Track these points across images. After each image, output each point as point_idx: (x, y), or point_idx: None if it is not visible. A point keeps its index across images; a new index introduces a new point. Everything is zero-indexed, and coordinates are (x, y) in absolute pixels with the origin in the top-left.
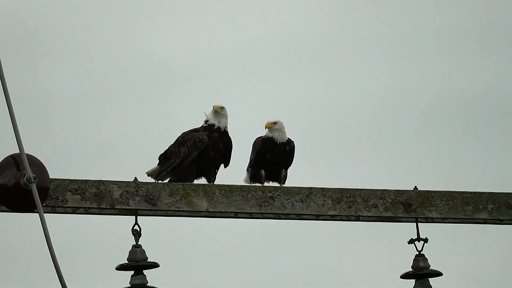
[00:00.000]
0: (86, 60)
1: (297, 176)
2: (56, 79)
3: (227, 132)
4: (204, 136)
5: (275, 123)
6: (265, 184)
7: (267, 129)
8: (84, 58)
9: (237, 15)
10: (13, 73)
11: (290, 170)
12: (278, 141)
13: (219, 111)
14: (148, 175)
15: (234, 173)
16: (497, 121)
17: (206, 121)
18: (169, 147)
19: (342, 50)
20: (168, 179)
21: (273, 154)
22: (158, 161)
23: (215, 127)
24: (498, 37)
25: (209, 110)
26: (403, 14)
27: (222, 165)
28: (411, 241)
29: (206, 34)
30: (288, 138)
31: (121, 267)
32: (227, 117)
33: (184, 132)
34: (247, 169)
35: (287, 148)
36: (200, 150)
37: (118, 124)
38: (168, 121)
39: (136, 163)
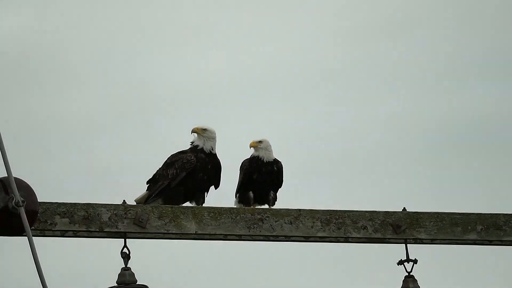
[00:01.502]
0: (79, 88)
1: (286, 198)
2: (53, 105)
3: (215, 154)
4: (192, 157)
5: (260, 141)
6: (254, 206)
7: (252, 148)
8: (76, 86)
9: (231, 43)
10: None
11: (278, 192)
12: (264, 160)
13: (199, 133)
14: (137, 203)
15: (223, 196)
16: (485, 143)
17: (191, 143)
18: (157, 170)
19: (332, 77)
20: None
21: (260, 174)
22: (147, 186)
23: (198, 148)
24: (498, 64)
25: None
26: (403, 41)
27: (213, 187)
28: (401, 262)
29: (203, 62)
30: (275, 158)
31: None
32: (214, 139)
33: (171, 154)
34: (236, 193)
35: (275, 168)
36: (189, 170)
37: (111, 149)
38: (161, 146)
39: (126, 187)
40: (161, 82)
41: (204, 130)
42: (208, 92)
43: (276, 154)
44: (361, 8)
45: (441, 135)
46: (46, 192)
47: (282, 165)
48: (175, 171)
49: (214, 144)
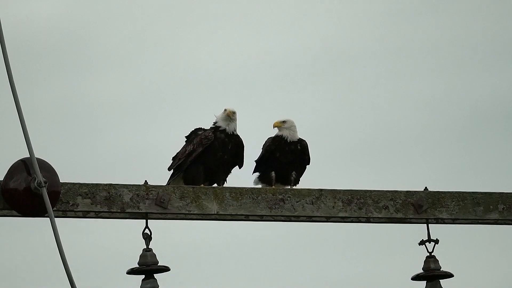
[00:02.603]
0: (105, 72)
1: (307, 177)
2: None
3: (237, 135)
4: (210, 134)
5: (284, 121)
6: (275, 186)
7: (275, 128)
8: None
9: (255, 26)
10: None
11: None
12: (288, 140)
13: (230, 116)
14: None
15: (244, 176)
16: (507, 123)
17: (214, 123)
18: (180, 149)
19: (351, 58)
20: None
21: (283, 153)
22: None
23: (221, 129)
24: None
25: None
26: (433, 23)
27: (237, 166)
28: (422, 243)
29: (231, 43)
30: (300, 138)
31: (131, 271)
32: (236, 121)
33: (191, 131)
34: (254, 170)
35: (298, 147)
36: (206, 146)
37: (136, 131)
38: (187, 128)
39: (148, 168)
40: (189, 65)
41: (234, 113)
42: (237, 75)
43: (301, 134)
44: None
45: (463, 115)
46: (69, 173)
47: (306, 144)
48: (192, 146)
49: (236, 127)
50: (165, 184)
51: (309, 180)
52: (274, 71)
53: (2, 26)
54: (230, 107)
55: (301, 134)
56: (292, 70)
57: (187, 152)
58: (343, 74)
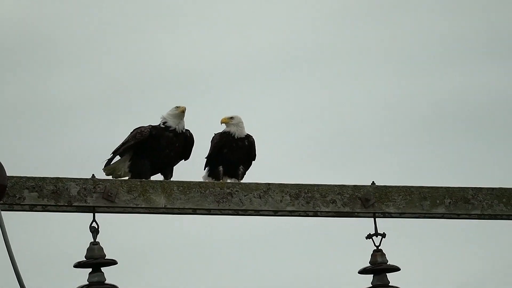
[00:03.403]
0: (60, 70)
1: (255, 172)
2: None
3: (186, 132)
4: (146, 130)
5: (231, 118)
6: (223, 180)
7: (223, 124)
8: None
9: (242, 23)
10: None
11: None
12: (235, 136)
13: (182, 111)
14: (106, 174)
15: (193, 169)
16: (453, 118)
17: (163, 123)
18: None
19: (309, 56)
20: (126, 176)
21: (230, 149)
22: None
23: (171, 129)
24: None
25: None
26: (406, 22)
27: (183, 160)
28: (369, 236)
29: (213, 43)
30: (247, 134)
31: (79, 265)
32: (183, 119)
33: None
34: (205, 167)
35: (246, 143)
36: (137, 141)
37: (87, 130)
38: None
39: (96, 163)
40: (152, 62)
41: (183, 112)
42: (201, 72)
43: (251, 129)
44: None
45: (412, 113)
46: (16, 167)
47: (253, 140)
48: (128, 138)
49: (184, 124)
50: (103, 168)
51: (257, 175)
52: (238, 68)
53: None
54: (184, 104)
55: (250, 129)
56: (253, 68)
57: (123, 141)
58: (300, 72)
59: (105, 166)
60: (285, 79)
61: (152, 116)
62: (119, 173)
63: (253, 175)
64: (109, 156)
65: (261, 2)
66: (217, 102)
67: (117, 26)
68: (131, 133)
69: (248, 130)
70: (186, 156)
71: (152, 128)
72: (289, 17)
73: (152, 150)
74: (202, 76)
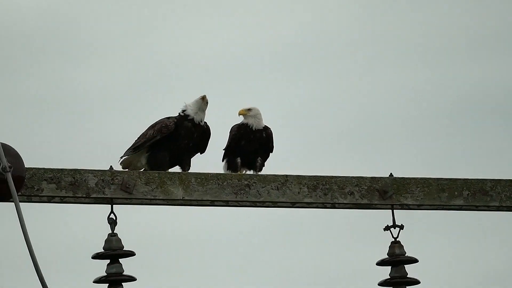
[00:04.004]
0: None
1: (273, 164)
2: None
3: (204, 124)
4: (171, 123)
5: (249, 109)
6: (241, 172)
7: (241, 116)
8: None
9: (260, 14)
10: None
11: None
12: (253, 128)
13: (204, 103)
14: (121, 161)
15: (210, 161)
16: (472, 110)
17: (183, 111)
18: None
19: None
20: (143, 168)
21: (248, 141)
22: None
23: (189, 118)
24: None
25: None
26: (429, 11)
27: (199, 153)
28: (387, 228)
29: (232, 34)
30: (265, 125)
31: (97, 256)
32: (204, 112)
33: (160, 119)
34: (223, 159)
35: (264, 135)
36: (164, 135)
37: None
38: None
39: (114, 154)
40: (169, 55)
41: (206, 101)
42: (218, 64)
43: (269, 121)
44: None
45: (428, 103)
46: (34, 158)
47: (271, 132)
48: (152, 132)
49: (204, 117)
50: (119, 161)
51: (275, 166)
52: (255, 60)
53: None
54: (205, 93)
55: (268, 121)
56: (270, 59)
57: (146, 136)
58: (318, 63)
59: (124, 156)
60: (303, 70)
61: (167, 108)
62: (137, 165)
63: (270, 167)
64: (129, 152)
65: None
66: (235, 93)
67: (136, 20)
68: (152, 126)
69: (266, 121)
70: (202, 149)
71: (175, 119)
72: (308, 5)
73: (171, 140)
74: (220, 67)
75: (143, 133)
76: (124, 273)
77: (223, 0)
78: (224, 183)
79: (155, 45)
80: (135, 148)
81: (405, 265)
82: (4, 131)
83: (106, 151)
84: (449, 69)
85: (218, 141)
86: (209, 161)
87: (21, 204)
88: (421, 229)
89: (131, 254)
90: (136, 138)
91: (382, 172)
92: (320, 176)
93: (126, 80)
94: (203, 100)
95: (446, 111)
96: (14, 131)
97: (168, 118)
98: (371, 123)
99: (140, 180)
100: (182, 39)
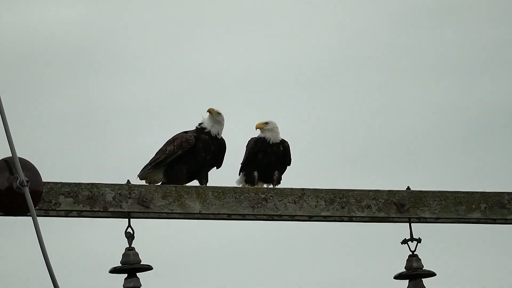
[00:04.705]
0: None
1: (290, 177)
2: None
3: (220, 138)
4: (191, 138)
5: (266, 123)
6: (258, 185)
7: (258, 129)
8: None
9: (262, 32)
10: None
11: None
12: (270, 142)
13: (214, 114)
14: (140, 179)
15: (227, 175)
16: (490, 126)
17: (200, 124)
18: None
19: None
20: (160, 181)
21: (265, 154)
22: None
23: (206, 131)
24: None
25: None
26: (454, 28)
27: (215, 167)
28: (405, 242)
29: (245, 49)
30: (282, 139)
31: (114, 270)
32: (222, 125)
33: (177, 133)
34: (240, 172)
35: (281, 148)
36: (185, 150)
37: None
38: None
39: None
40: (197, 71)
41: (219, 113)
42: (246, 80)
43: (287, 135)
44: None
45: (446, 117)
46: (52, 173)
47: (288, 145)
48: (173, 147)
49: (221, 130)
50: (139, 177)
51: (291, 179)
52: (280, 77)
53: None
54: (215, 107)
55: (285, 134)
56: (297, 75)
57: (166, 152)
58: (337, 78)
59: (144, 172)
60: (321, 85)
61: (187, 123)
62: (154, 179)
63: (288, 180)
64: (149, 169)
65: (308, 9)
66: (253, 107)
67: (166, 35)
68: (171, 142)
69: (284, 135)
70: (218, 164)
71: (193, 133)
72: (332, 25)
73: (189, 154)
74: (246, 83)
75: (161, 149)
76: (142, 287)
77: (250, 19)
78: (241, 197)
79: (176, 63)
80: (156, 165)
81: (422, 279)
82: (22, 145)
83: (124, 165)
84: (466, 84)
85: (235, 156)
86: (226, 175)
87: (38, 218)
88: (439, 243)
89: (148, 268)
90: (154, 155)
91: (399, 185)
92: (337, 189)
93: (145, 96)
94: (211, 113)
95: (463, 124)
96: (32, 145)
97: (186, 132)
98: (387, 136)
99: (157, 194)
100: (208, 56)
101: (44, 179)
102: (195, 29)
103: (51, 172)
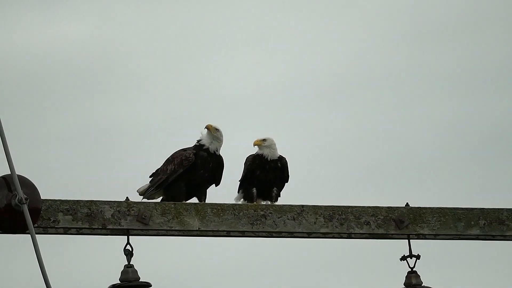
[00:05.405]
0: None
1: (289, 194)
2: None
3: (218, 155)
4: (191, 155)
5: (264, 140)
6: (257, 202)
7: (255, 146)
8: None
9: (272, 50)
10: None
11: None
12: (268, 158)
13: (212, 131)
14: (140, 194)
15: (225, 192)
16: (489, 140)
17: (198, 141)
18: (160, 166)
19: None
20: (159, 198)
21: (263, 171)
22: (149, 180)
23: (204, 147)
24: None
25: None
26: (464, 46)
27: (213, 185)
28: (403, 258)
29: (254, 69)
30: (280, 155)
31: (113, 287)
32: (221, 142)
33: (174, 152)
34: (238, 189)
35: (279, 164)
36: (186, 167)
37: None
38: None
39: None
40: (208, 90)
41: (217, 130)
42: (255, 99)
43: (285, 151)
44: (417, 12)
45: (444, 135)
46: (50, 190)
47: (286, 161)
48: (173, 166)
49: (220, 147)
50: (142, 198)
51: (290, 196)
52: (281, 95)
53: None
54: (213, 123)
55: (283, 151)
56: (298, 94)
57: (168, 172)
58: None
59: (148, 193)
60: (321, 103)
61: (179, 143)
62: (154, 196)
63: (286, 197)
64: (152, 191)
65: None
66: (254, 125)
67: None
68: (171, 161)
69: (282, 152)
70: (217, 181)
71: (192, 150)
72: (345, 40)
73: (188, 171)
74: (240, 98)
75: (161, 168)
76: None
77: (254, 36)
78: (240, 214)
79: (178, 82)
80: (158, 186)
81: None
82: (20, 162)
83: (123, 182)
84: (463, 103)
85: (233, 173)
86: (225, 192)
87: (37, 236)
88: (438, 259)
89: (147, 285)
90: (153, 175)
91: (398, 201)
92: (336, 206)
93: (146, 114)
94: (209, 130)
95: (462, 142)
96: (31, 162)
97: (184, 150)
98: (386, 153)
99: (156, 211)
100: (211, 75)
101: (43, 197)
102: (199, 48)
103: (50, 189)
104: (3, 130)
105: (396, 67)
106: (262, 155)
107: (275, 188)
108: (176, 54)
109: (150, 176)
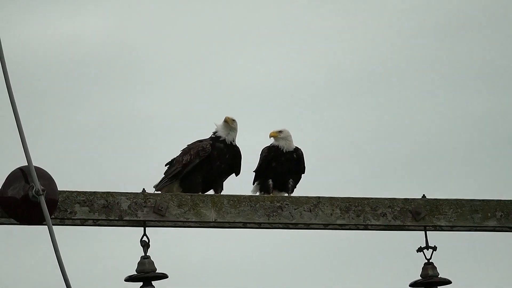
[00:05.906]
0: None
1: (305, 185)
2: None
3: (235, 145)
4: (208, 146)
5: (280, 131)
6: (273, 194)
7: (272, 138)
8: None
9: (308, 41)
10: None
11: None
12: (284, 150)
13: (229, 123)
14: (156, 190)
15: (242, 183)
16: (504, 134)
17: (214, 133)
18: (176, 156)
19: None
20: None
21: (279, 162)
22: (164, 171)
23: (221, 139)
24: None
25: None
26: (486, 39)
27: (234, 174)
28: (420, 249)
29: (274, 63)
30: (296, 147)
31: (130, 279)
32: (236, 130)
33: (191, 143)
34: (254, 181)
35: (294, 156)
36: (202, 158)
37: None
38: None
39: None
40: (229, 85)
41: (234, 120)
42: (279, 94)
43: (301, 143)
44: (442, 4)
45: (462, 125)
46: (67, 181)
47: (302, 153)
48: (189, 157)
49: (235, 136)
50: (155, 190)
51: (307, 188)
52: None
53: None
54: (230, 115)
55: (299, 143)
56: (316, 87)
57: (183, 162)
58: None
59: (163, 184)
60: (338, 96)
61: (196, 136)
62: (170, 188)
63: (303, 189)
64: (166, 182)
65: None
66: (271, 117)
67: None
68: (187, 151)
69: (299, 144)
70: (237, 171)
71: (208, 141)
72: (370, 34)
73: (204, 163)
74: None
75: (177, 159)
76: None
77: (271, 31)
78: (257, 205)
79: (197, 76)
80: (173, 177)
81: (438, 287)
82: (38, 154)
83: (139, 174)
84: (480, 93)
85: (250, 164)
86: (240, 184)
87: (54, 227)
88: (454, 250)
89: (164, 276)
90: (168, 166)
91: (415, 193)
92: (353, 197)
93: (164, 107)
94: (227, 122)
95: (479, 134)
96: (48, 154)
97: (201, 141)
98: (403, 145)
99: (173, 202)
100: (229, 69)
101: (59, 188)
102: (217, 42)
103: (66, 180)
104: (20, 122)
105: (416, 60)
106: (277, 146)
107: (291, 180)
108: (195, 49)
109: (166, 165)
